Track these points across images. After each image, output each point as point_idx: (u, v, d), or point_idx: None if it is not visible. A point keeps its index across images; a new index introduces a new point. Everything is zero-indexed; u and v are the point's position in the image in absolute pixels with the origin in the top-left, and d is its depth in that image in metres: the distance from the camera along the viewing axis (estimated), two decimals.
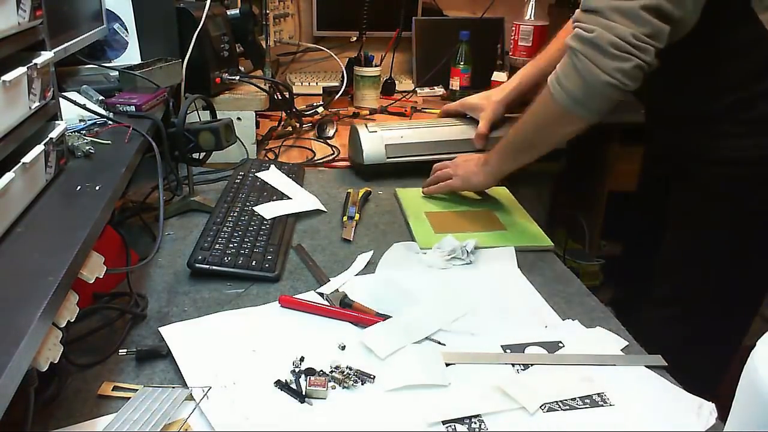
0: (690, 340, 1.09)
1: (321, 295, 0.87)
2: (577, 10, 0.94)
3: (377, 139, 1.30)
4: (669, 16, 0.87)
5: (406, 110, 1.83)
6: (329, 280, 0.92)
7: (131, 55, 1.25)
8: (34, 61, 0.69)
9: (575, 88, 0.92)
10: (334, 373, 0.70)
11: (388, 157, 1.29)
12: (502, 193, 1.24)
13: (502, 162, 1.11)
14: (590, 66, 0.89)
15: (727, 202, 1.04)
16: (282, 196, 1.15)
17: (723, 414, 0.59)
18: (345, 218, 1.10)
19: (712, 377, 1.06)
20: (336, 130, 1.58)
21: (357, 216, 1.11)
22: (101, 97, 1.05)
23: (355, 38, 2.00)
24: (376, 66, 1.85)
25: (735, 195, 1.03)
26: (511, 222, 1.12)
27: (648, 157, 1.35)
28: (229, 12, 1.50)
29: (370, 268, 0.96)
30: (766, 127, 0.98)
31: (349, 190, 1.20)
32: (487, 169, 1.13)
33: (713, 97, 1.01)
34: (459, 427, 0.64)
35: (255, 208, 1.07)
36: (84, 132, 0.91)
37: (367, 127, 1.32)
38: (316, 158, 1.44)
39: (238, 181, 1.18)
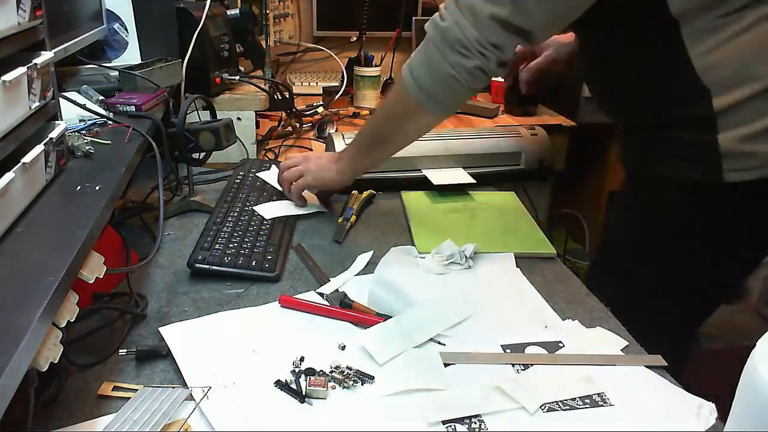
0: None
1: (321, 295, 0.87)
2: None
3: None
4: (518, 28, 0.83)
5: None
6: (329, 280, 0.92)
7: (131, 55, 1.25)
8: (34, 61, 0.69)
9: (423, 77, 0.88)
10: (334, 373, 0.70)
11: (365, 172, 1.19)
12: (509, 198, 1.22)
13: (356, 158, 1.05)
14: (437, 56, 0.86)
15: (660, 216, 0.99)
16: (282, 196, 1.14)
17: (723, 414, 0.59)
18: (340, 219, 1.10)
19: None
20: (336, 130, 1.58)
21: (353, 218, 1.11)
22: (101, 97, 1.05)
23: (355, 38, 2.00)
24: (376, 66, 1.85)
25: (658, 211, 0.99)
26: (515, 227, 1.10)
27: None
28: (229, 12, 1.50)
29: (370, 268, 0.96)
30: (691, 151, 0.91)
31: (353, 192, 1.20)
32: (339, 165, 1.06)
33: (646, 110, 0.97)
34: (459, 427, 0.64)
35: (255, 208, 1.07)
36: (84, 132, 0.91)
37: (344, 137, 1.26)
38: None
39: (238, 181, 1.18)
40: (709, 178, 0.90)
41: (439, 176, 1.23)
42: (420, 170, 1.26)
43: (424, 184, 1.26)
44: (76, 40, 1.00)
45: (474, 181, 1.23)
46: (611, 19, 0.89)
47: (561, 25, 0.89)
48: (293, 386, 0.69)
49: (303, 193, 1.12)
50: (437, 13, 0.87)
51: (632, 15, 0.89)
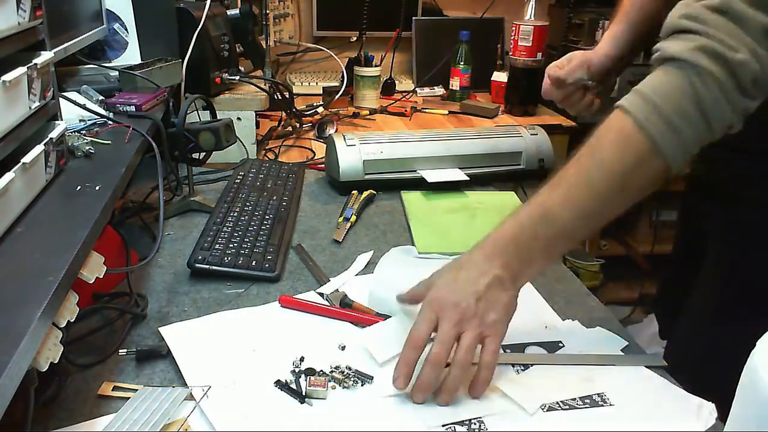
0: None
1: (321, 295, 0.87)
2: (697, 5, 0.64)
3: (355, 154, 1.23)
4: None
5: (406, 110, 1.84)
6: (329, 280, 0.91)
7: (131, 55, 1.25)
8: (34, 61, 0.69)
9: (690, 128, 0.63)
10: (334, 373, 0.70)
11: (366, 174, 1.23)
12: (509, 198, 1.22)
13: (544, 264, 0.73)
14: (721, 101, 0.62)
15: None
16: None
17: (723, 414, 0.59)
18: (341, 219, 1.10)
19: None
20: (336, 130, 1.58)
21: (353, 218, 1.11)
22: (101, 97, 1.05)
23: (355, 38, 2.00)
24: (376, 66, 1.85)
25: None
26: None
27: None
28: (229, 12, 1.50)
29: (370, 268, 0.96)
30: None
31: (353, 192, 1.20)
32: (512, 281, 0.70)
33: None
34: (458, 427, 0.64)
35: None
36: (84, 132, 0.91)
37: (344, 138, 1.25)
38: (316, 158, 1.44)
39: (238, 181, 1.18)
40: None
41: (434, 175, 1.23)
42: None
43: (424, 184, 1.26)
44: (76, 40, 1.00)
45: (467, 178, 1.23)
46: None
47: None
48: (293, 386, 0.69)
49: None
50: (698, 35, 0.63)
51: None
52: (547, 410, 0.67)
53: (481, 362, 0.67)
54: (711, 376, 0.69)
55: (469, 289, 0.67)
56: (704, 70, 0.62)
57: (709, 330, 0.97)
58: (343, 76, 1.81)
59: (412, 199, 1.20)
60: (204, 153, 1.11)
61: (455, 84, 1.97)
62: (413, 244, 1.03)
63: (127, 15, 1.24)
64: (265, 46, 1.64)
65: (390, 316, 0.81)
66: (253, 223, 1.01)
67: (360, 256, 0.98)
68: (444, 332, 0.66)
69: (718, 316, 0.96)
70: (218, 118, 1.14)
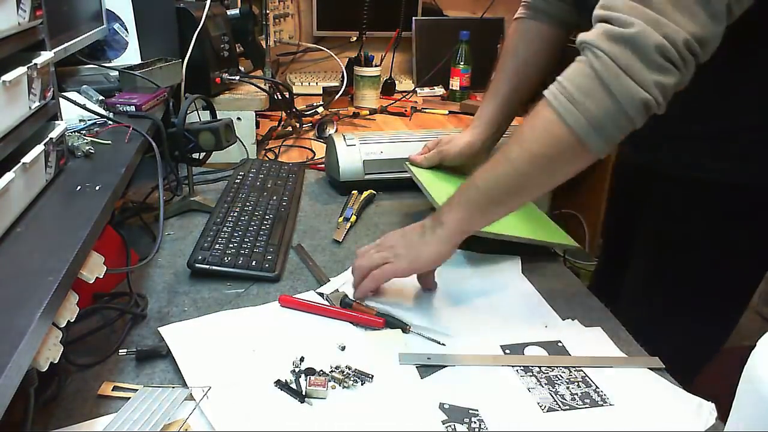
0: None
1: (321, 295, 0.87)
2: None
3: (355, 154, 1.22)
4: (730, 14, 0.67)
5: (406, 110, 1.84)
6: (329, 280, 0.91)
7: (131, 55, 1.25)
8: (34, 61, 0.69)
9: (596, 106, 0.69)
10: (334, 373, 0.70)
11: (366, 174, 1.22)
12: None
13: (468, 219, 0.80)
14: (622, 77, 0.67)
15: (702, 222, 0.98)
16: None
17: (723, 414, 0.59)
18: (341, 219, 1.10)
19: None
20: (336, 130, 1.58)
21: (353, 218, 1.11)
22: (101, 97, 1.05)
23: (355, 38, 2.00)
24: (376, 66, 1.85)
25: (708, 216, 0.97)
26: (534, 215, 1.07)
27: (618, 179, 1.28)
28: (229, 12, 1.50)
29: None
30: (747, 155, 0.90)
31: (353, 192, 1.20)
32: (440, 233, 0.81)
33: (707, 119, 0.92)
34: (459, 427, 0.64)
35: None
36: (84, 132, 0.91)
37: (344, 138, 1.25)
38: (316, 158, 1.44)
39: (238, 181, 1.18)
40: None
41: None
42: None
43: None
44: (76, 40, 1.00)
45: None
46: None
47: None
48: (293, 386, 0.69)
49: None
50: (603, 22, 0.69)
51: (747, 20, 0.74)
52: (547, 410, 0.67)
53: (374, 272, 0.83)
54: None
55: (401, 231, 0.87)
56: (600, 49, 0.68)
57: (641, 306, 1.07)
58: (343, 76, 1.81)
59: (418, 170, 1.12)
60: (204, 153, 1.11)
61: (455, 84, 1.97)
62: (431, 199, 1.00)
63: (127, 15, 1.24)
64: (265, 46, 1.64)
65: (389, 317, 0.81)
66: (253, 223, 1.01)
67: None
68: (370, 252, 0.86)
69: (648, 296, 1.08)
70: (218, 118, 1.14)
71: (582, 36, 0.71)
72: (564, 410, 0.67)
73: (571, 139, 0.71)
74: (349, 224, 1.09)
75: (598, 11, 0.71)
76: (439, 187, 1.02)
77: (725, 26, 0.68)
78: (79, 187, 0.74)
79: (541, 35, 1.08)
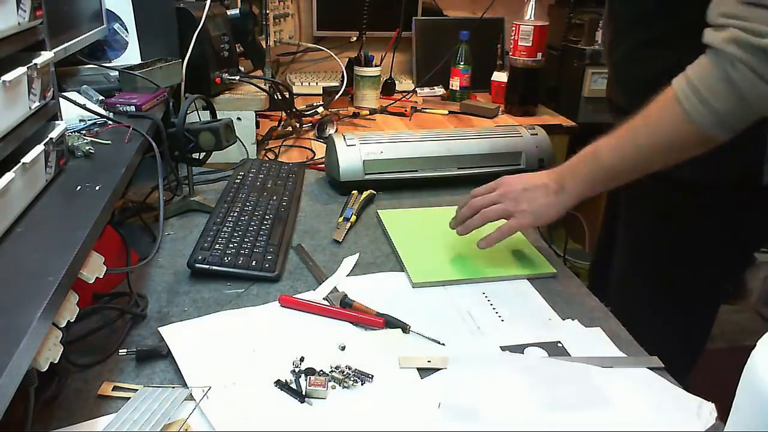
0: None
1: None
2: (731, 1, 0.73)
3: (355, 154, 1.22)
4: None
5: (406, 110, 1.84)
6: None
7: (131, 55, 1.25)
8: (34, 61, 0.69)
9: (726, 106, 0.74)
10: (334, 373, 0.70)
11: (366, 174, 1.22)
12: None
13: (588, 186, 0.89)
14: (756, 81, 0.70)
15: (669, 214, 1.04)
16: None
17: (723, 414, 0.59)
18: (340, 219, 1.10)
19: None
20: (336, 130, 1.58)
21: (353, 218, 1.11)
22: (101, 97, 1.05)
23: (355, 38, 2.00)
24: (376, 66, 1.85)
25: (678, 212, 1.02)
26: (509, 245, 1.00)
27: None
28: (229, 12, 1.50)
29: (359, 269, 0.96)
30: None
31: (353, 192, 1.20)
32: (563, 199, 0.90)
33: None
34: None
35: None
36: (84, 132, 0.91)
37: (345, 138, 1.25)
38: (316, 158, 1.44)
39: (238, 181, 1.18)
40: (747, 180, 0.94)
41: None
42: (420, 171, 1.26)
43: (423, 185, 1.26)
44: (76, 40, 1.00)
45: None
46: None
47: None
48: (293, 386, 0.69)
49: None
50: (733, 29, 0.71)
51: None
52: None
53: (499, 227, 0.93)
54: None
55: (522, 183, 0.93)
56: (734, 57, 0.72)
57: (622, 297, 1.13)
58: (343, 76, 1.81)
59: (390, 219, 1.11)
60: (204, 153, 1.11)
61: (455, 84, 1.97)
62: (405, 273, 0.94)
63: (127, 15, 1.24)
64: (265, 46, 1.64)
65: (390, 316, 0.81)
66: (253, 223, 1.01)
67: (345, 259, 0.97)
68: (489, 195, 0.94)
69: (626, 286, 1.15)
70: (218, 118, 1.14)
71: (710, 39, 0.74)
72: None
73: (699, 135, 0.78)
74: (349, 224, 1.09)
75: (716, 14, 0.74)
76: (414, 259, 0.97)
77: None
78: (79, 187, 0.74)
79: None
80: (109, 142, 0.90)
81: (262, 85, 1.42)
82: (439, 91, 2.06)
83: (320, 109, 1.69)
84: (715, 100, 0.74)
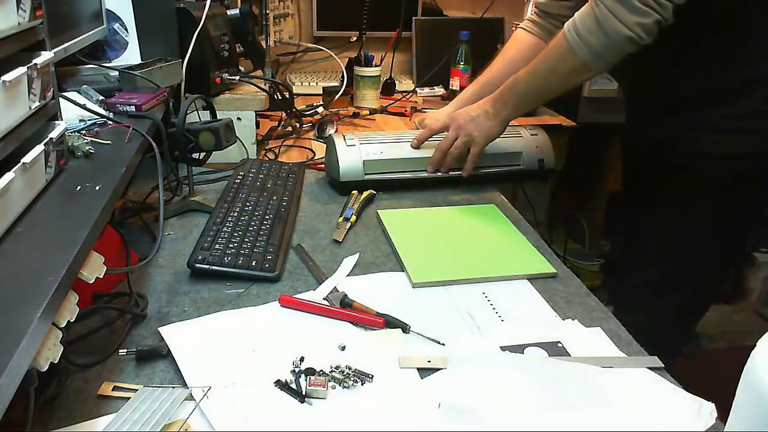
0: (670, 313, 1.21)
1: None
2: None
3: (355, 154, 1.23)
4: None
5: (406, 110, 1.84)
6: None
7: (131, 55, 1.25)
8: (34, 61, 0.69)
9: (596, 41, 0.96)
10: (334, 373, 0.71)
11: (366, 174, 1.23)
12: (491, 212, 1.16)
13: (515, 108, 1.16)
14: (612, 19, 0.92)
15: (708, 192, 1.11)
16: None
17: (723, 414, 0.59)
18: (340, 219, 1.10)
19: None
20: (336, 130, 1.58)
21: (353, 218, 1.11)
22: (101, 97, 1.05)
23: (355, 38, 2.00)
24: (376, 66, 1.85)
25: (714, 186, 1.10)
26: (508, 245, 1.03)
27: (627, 153, 1.39)
28: (229, 12, 1.50)
29: (359, 269, 0.96)
30: (746, 124, 1.03)
31: (353, 192, 1.20)
32: (502, 116, 1.17)
33: (702, 86, 1.06)
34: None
35: None
36: (84, 132, 0.91)
37: (345, 138, 1.25)
38: (316, 158, 1.44)
39: (238, 181, 1.18)
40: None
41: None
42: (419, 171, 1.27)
43: (423, 185, 1.26)
44: (76, 40, 1.00)
45: None
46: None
47: None
48: (293, 386, 0.69)
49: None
50: None
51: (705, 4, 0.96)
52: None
53: (469, 156, 1.23)
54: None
55: (467, 115, 1.22)
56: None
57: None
58: (343, 76, 1.81)
59: (390, 219, 1.11)
60: (204, 153, 1.11)
61: (455, 84, 1.97)
62: (404, 273, 0.95)
63: (127, 15, 1.24)
64: (265, 46, 1.64)
65: (389, 316, 0.81)
66: (253, 223, 1.01)
67: (345, 259, 0.97)
68: (447, 135, 1.24)
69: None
70: (218, 118, 1.14)
71: None
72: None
73: (580, 63, 1.01)
74: (349, 224, 1.09)
75: None
76: (414, 260, 0.97)
77: None
78: (79, 187, 0.74)
79: (533, 46, 1.34)
80: (109, 142, 0.90)
81: (262, 85, 1.42)
82: (439, 91, 2.05)
83: (320, 109, 1.69)
84: (586, 33, 0.97)
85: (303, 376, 0.70)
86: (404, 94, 1.99)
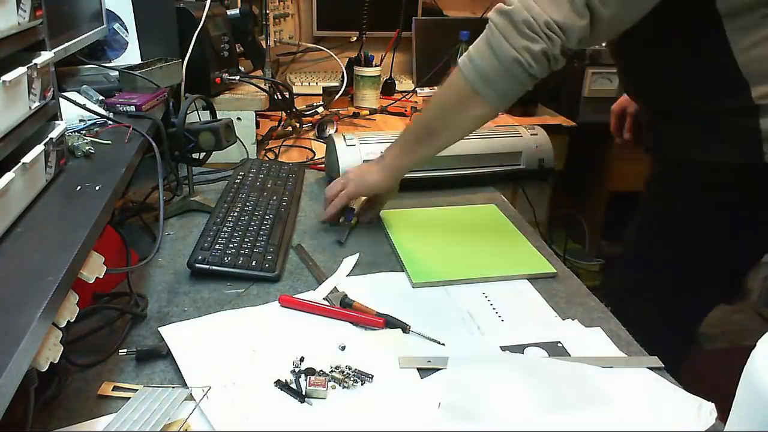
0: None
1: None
2: None
3: (355, 154, 1.22)
4: (594, 11, 0.82)
5: (406, 110, 1.84)
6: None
7: (131, 55, 1.25)
8: (34, 61, 0.69)
9: (485, 63, 0.87)
10: (334, 373, 0.71)
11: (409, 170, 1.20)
12: (491, 212, 1.16)
13: (400, 154, 1.01)
14: (501, 40, 0.85)
15: (700, 197, 1.04)
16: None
17: (723, 414, 0.59)
18: (342, 219, 1.10)
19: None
20: (336, 130, 1.58)
21: (355, 219, 1.11)
22: (101, 97, 1.05)
23: (355, 38, 2.00)
24: (376, 66, 1.85)
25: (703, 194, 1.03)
26: (508, 244, 1.04)
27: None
28: (229, 12, 1.50)
29: (359, 269, 0.96)
30: (730, 136, 0.96)
31: None
32: (383, 164, 1.03)
33: (681, 98, 1.00)
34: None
35: None
36: (84, 132, 0.91)
37: (345, 138, 1.25)
38: (316, 158, 1.44)
39: (238, 181, 1.18)
40: (750, 161, 0.94)
41: None
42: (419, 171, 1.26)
43: (424, 185, 1.26)
44: (76, 40, 1.00)
45: None
46: (656, 11, 0.88)
47: (629, 18, 0.87)
48: (293, 386, 0.69)
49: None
50: (499, 3, 0.87)
51: (678, 9, 0.90)
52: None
53: (338, 196, 1.06)
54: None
55: (354, 170, 1.10)
56: (491, 20, 0.87)
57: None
58: (343, 76, 1.81)
59: (390, 219, 1.12)
60: (204, 153, 1.11)
61: None
62: (405, 272, 0.95)
63: (127, 15, 1.24)
64: (265, 46, 1.64)
65: (390, 316, 0.81)
66: (253, 223, 1.01)
67: (345, 259, 0.97)
68: (336, 184, 1.08)
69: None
70: (218, 118, 1.14)
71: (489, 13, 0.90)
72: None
73: (468, 89, 0.90)
74: (350, 225, 1.09)
75: None
76: (414, 260, 0.97)
77: (588, 22, 0.83)
78: (79, 187, 0.74)
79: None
80: (109, 142, 0.90)
81: (262, 85, 1.42)
82: None
83: (320, 109, 1.69)
84: (477, 57, 0.88)
85: (303, 376, 0.70)
86: (404, 94, 1.99)
